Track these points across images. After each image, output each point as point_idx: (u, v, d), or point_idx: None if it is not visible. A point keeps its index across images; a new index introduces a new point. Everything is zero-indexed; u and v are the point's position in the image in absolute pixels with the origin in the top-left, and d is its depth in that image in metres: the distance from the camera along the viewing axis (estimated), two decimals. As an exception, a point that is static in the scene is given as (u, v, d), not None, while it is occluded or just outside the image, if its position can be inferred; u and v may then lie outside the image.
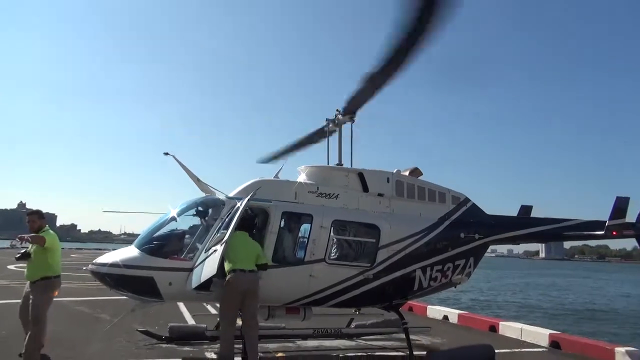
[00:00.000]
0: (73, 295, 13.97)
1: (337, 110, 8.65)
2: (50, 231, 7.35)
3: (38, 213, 7.41)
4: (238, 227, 6.96)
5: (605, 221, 9.56)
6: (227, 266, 6.87)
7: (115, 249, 7.82)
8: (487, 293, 37.76)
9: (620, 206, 9.59)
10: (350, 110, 8.43)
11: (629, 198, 9.65)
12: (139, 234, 8.01)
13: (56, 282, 7.17)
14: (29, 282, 7.10)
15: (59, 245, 7.46)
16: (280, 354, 8.35)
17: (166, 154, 7.90)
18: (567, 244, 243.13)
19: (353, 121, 8.64)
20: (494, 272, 71.64)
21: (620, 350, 8.73)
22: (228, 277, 6.88)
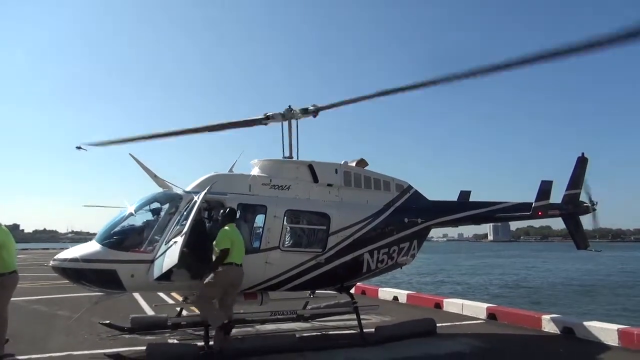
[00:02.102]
0: (27, 295, 13.84)
1: (289, 106, 9.13)
2: (3, 226, 7.50)
3: None
4: (228, 220, 7.48)
5: (532, 203, 10.58)
6: (230, 257, 7.28)
7: (63, 248, 7.92)
8: (440, 275, 39.64)
9: (545, 189, 10.61)
10: (317, 110, 9.07)
11: (552, 181, 10.70)
12: (87, 232, 8.28)
13: (11, 277, 7.34)
14: None
15: (12, 240, 7.59)
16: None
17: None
18: (513, 226, 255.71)
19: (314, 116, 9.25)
20: (445, 255, 74.53)
21: (546, 317, 9.80)
22: (224, 267, 7.30)
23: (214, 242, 7.41)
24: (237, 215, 8.04)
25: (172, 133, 9.63)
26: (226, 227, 7.45)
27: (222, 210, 7.79)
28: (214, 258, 7.38)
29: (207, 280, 7.37)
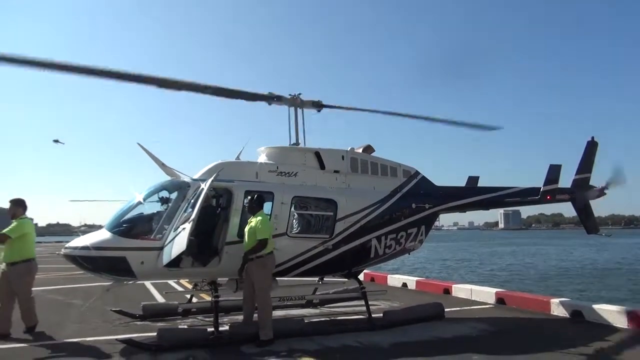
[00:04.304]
0: (43, 285, 14.08)
1: (299, 93, 9.13)
2: (25, 218, 8.36)
3: (12, 201, 8.45)
4: (258, 207, 7.68)
5: (541, 187, 10.51)
6: (268, 247, 7.47)
7: None
8: (450, 262, 39.60)
9: (553, 173, 10.49)
10: (322, 106, 9.24)
11: (560, 165, 10.57)
12: (99, 225, 8.41)
13: (35, 263, 8.35)
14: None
15: (25, 230, 8.23)
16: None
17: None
18: (524, 214, 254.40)
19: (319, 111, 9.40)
20: (456, 243, 74.38)
21: (554, 301, 9.80)
22: (269, 257, 7.52)
23: (253, 230, 7.46)
24: (244, 203, 8.09)
25: (169, 82, 8.18)
26: (264, 216, 7.64)
27: (249, 197, 7.86)
28: (249, 245, 7.47)
29: (260, 274, 7.47)
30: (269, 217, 8.30)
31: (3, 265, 8.13)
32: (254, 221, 7.55)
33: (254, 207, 7.73)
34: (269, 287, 7.67)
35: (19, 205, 8.41)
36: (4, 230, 8.10)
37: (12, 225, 8.17)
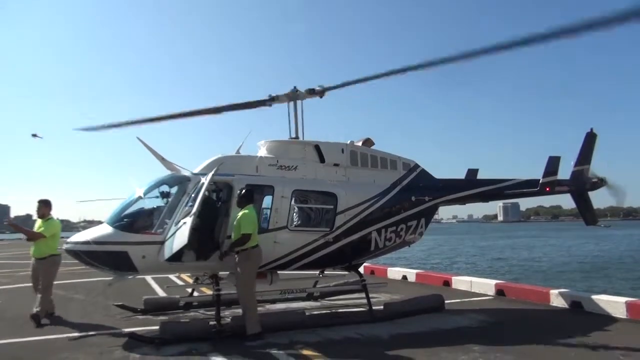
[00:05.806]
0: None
1: (295, 87, 9.12)
2: (54, 219, 9.19)
3: (41, 202, 9.22)
4: (246, 201, 7.62)
5: (540, 179, 10.53)
6: (251, 241, 7.42)
7: None
8: (450, 254, 39.73)
9: (552, 165, 10.50)
10: (323, 90, 9.02)
11: (559, 157, 10.61)
12: (98, 221, 8.44)
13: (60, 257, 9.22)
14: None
15: (55, 230, 9.14)
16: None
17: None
18: (523, 206, 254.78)
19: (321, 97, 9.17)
20: (456, 237, 74.53)
21: (554, 292, 9.86)
22: (252, 251, 7.46)
23: (238, 224, 7.45)
24: None
25: (175, 115, 9.44)
26: (250, 210, 7.58)
27: (239, 192, 7.84)
28: (234, 239, 7.48)
29: (243, 265, 7.44)
30: (269, 210, 8.36)
31: (33, 260, 9.02)
32: (239, 215, 7.55)
33: (242, 201, 7.71)
34: (250, 279, 7.57)
35: (47, 206, 9.23)
36: (40, 231, 8.97)
37: (46, 226, 9.01)
